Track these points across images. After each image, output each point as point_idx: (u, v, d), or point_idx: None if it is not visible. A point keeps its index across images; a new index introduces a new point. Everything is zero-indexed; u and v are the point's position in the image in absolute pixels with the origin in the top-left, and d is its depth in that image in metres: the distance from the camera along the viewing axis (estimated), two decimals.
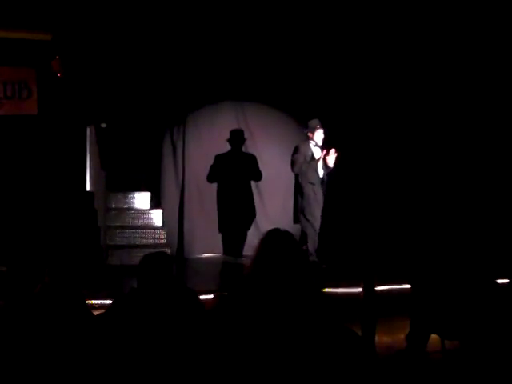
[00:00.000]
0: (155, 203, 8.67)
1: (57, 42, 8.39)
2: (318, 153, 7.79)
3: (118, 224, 8.18)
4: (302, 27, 8.63)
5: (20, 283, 3.46)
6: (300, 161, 7.77)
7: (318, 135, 7.83)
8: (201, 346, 2.72)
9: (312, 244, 7.63)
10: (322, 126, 7.88)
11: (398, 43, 8.79)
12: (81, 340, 2.35)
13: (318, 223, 7.73)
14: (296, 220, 7.94)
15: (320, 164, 7.79)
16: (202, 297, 4.47)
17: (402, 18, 8.64)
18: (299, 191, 7.87)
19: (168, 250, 7.77)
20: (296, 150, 7.87)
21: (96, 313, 3.45)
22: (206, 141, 8.89)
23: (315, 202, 7.75)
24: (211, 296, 4.30)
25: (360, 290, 4.94)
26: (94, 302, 4.93)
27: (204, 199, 8.88)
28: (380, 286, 5.54)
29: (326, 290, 5.13)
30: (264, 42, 8.69)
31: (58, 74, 8.28)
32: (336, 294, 5.84)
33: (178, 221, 8.77)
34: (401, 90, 8.84)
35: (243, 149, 8.85)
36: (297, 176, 7.95)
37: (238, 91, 8.88)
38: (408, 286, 5.24)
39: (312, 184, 7.76)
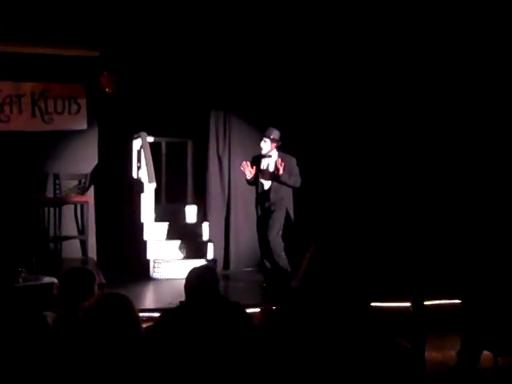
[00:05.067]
0: (202, 216, 8.70)
1: (105, 58, 8.54)
2: (266, 163, 7.37)
3: (164, 237, 8.23)
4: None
5: (71, 295, 3.49)
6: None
7: (261, 146, 7.41)
8: (251, 360, 2.70)
9: None
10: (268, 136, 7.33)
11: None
12: (132, 354, 2.36)
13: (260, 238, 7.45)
14: None
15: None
16: (248, 310, 4.45)
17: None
18: None
19: (214, 264, 7.79)
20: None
21: (144, 325, 3.47)
22: (251, 153, 8.88)
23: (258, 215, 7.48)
24: (258, 310, 4.26)
25: (409, 304, 4.84)
26: (141, 314, 4.94)
27: (250, 212, 8.87)
28: (430, 301, 5.44)
29: (375, 304, 5.04)
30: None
31: (106, 90, 8.42)
32: (385, 308, 5.76)
33: (224, 234, 8.78)
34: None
35: None
36: None
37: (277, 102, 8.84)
38: (459, 300, 5.13)
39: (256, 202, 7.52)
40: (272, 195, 7.28)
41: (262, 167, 7.36)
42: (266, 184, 7.32)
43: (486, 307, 4.52)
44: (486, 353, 4.56)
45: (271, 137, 7.28)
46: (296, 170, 7.32)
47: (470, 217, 8.38)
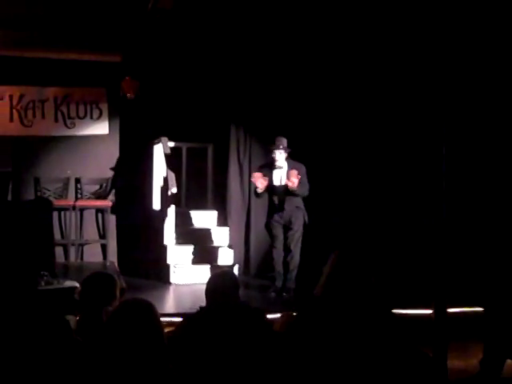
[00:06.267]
0: (222, 222, 8.70)
1: (127, 64, 8.59)
2: (278, 175, 7.19)
3: (184, 242, 8.24)
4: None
5: (93, 300, 3.51)
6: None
7: (274, 156, 7.19)
8: (271, 367, 2.69)
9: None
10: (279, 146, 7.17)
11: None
12: (154, 359, 2.36)
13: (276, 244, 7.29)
14: None
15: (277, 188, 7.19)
16: (269, 316, 4.43)
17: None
18: None
19: (234, 269, 7.78)
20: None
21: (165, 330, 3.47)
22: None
23: (270, 226, 7.31)
24: (278, 315, 4.25)
25: (431, 311, 4.80)
26: (161, 319, 4.93)
27: None
28: (452, 309, 5.38)
29: (397, 311, 5.01)
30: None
31: (128, 95, 8.46)
32: (407, 315, 5.70)
33: (244, 239, 8.77)
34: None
35: None
36: None
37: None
38: (481, 308, 5.08)
39: (269, 213, 7.37)
40: (286, 205, 7.15)
41: (274, 179, 7.19)
42: (281, 195, 7.17)
43: (509, 315, 4.46)
44: (509, 361, 4.50)
45: (285, 146, 7.16)
46: (305, 178, 7.17)
47: (493, 224, 8.29)
